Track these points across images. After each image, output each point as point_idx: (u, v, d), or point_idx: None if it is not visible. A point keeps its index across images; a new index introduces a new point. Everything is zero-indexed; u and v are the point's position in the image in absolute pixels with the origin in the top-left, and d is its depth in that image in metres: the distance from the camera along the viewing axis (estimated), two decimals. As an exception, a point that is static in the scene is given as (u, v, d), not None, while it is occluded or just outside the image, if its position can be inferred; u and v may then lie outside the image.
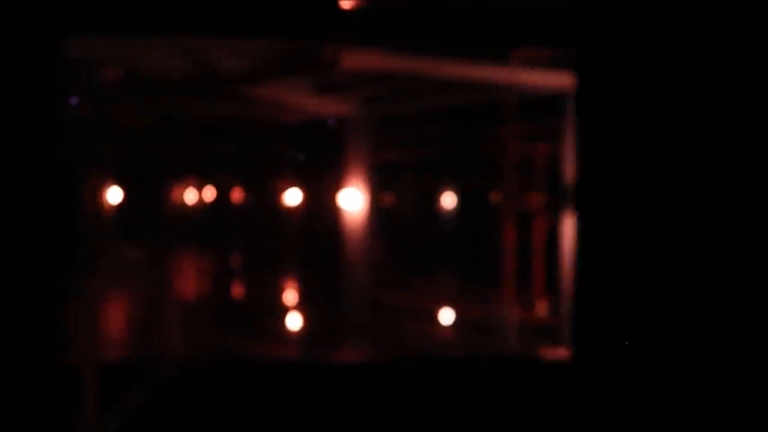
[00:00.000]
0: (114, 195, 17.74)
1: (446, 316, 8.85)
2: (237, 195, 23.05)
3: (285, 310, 10.56)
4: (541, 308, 7.54)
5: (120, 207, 19.08)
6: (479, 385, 4.04)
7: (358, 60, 6.13)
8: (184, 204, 22.62)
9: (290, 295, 11.86)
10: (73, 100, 8.86)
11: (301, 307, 10.80)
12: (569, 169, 6.42)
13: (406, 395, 3.89)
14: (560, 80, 6.40)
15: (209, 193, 22.70)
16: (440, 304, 8.89)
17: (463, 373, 4.14)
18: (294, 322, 9.92)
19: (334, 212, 9.95)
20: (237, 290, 13.04)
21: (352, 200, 9.17)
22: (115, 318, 9.68)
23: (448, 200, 11.16)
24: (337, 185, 9.50)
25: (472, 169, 9.57)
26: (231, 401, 3.75)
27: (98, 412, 2.68)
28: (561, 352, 5.96)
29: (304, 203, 17.79)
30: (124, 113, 11.27)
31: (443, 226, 10.97)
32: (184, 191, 22.62)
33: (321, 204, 13.92)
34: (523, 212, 7.89)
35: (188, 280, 13.88)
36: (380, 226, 9.57)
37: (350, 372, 4.20)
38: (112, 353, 7.42)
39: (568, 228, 6.37)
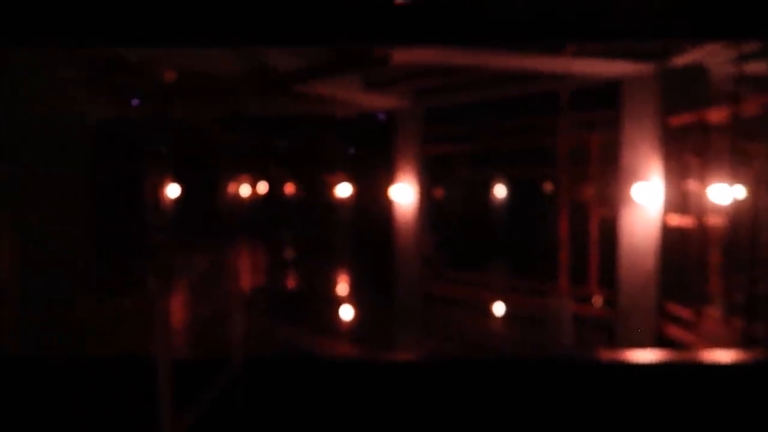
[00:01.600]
0: (173, 190, 18.30)
1: (500, 309, 8.80)
2: (290, 189, 23.42)
3: (338, 302, 10.71)
4: (597, 302, 7.41)
5: (179, 201, 19.64)
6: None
7: (408, 55, 6.15)
8: (239, 197, 23.11)
9: (343, 288, 12.02)
10: (135, 101, 9.21)
11: (355, 299, 10.93)
12: (625, 158, 6.30)
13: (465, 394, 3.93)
14: (614, 68, 6.28)
15: (263, 187, 23.13)
16: (494, 298, 8.84)
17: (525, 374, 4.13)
18: (348, 314, 10.05)
19: (387, 205, 10.01)
20: (291, 282, 13.29)
21: (404, 193, 9.22)
22: (183, 313, 10.03)
23: (501, 191, 11.08)
24: (389, 178, 9.57)
25: (525, 159, 9.45)
26: (294, 397, 3.93)
27: (173, 408, 2.80)
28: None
29: (357, 196, 17.94)
30: (184, 112, 11.63)
31: (496, 218, 10.89)
32: (239, 185, 23.11)
33: (373, 197, 14.03)
34: (578, 203, 7.76)
35: (243, 273, 14.22)
36: (432, 218, 9.57)
37: (409, 369, 4.25)
38: (183, 347, 7.71)
39: (626, 219, 6.26)
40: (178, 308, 10.22)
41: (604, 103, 6.72)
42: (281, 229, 22.48)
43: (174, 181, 19.41)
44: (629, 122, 6.26)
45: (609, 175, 6.92)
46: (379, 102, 9.29)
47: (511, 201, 10.74)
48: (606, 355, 5.62)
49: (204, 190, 22.35)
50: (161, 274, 13.24)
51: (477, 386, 3.94)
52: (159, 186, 18.23)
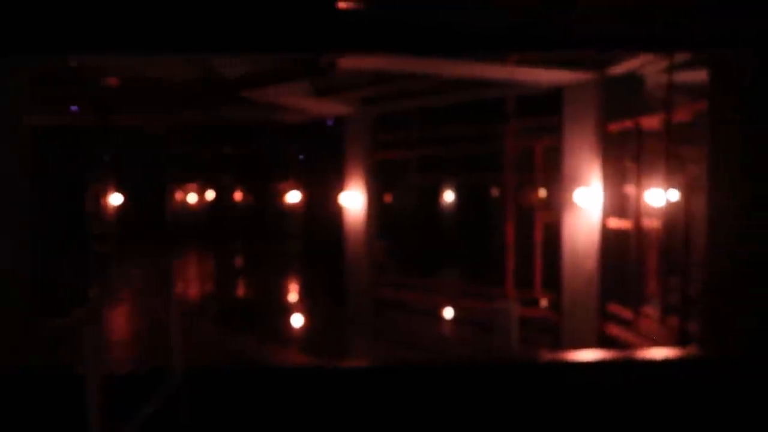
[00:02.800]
0: (116, 199, 17.82)
1: (449, 314, 8.92)
2: (239, 196, 23.11)
3: (288, 310, 10.65)
4: (542, 304, 7.60)
5: (123, 210, 19.12)
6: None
7: (355, 62, 6.20)
8: (186, 205, 22.65)
9: (293, 295, 11.96)
10: (73, 108, 8.94)
11: (305, 307, 10.88)
12: (567, 163, 6.51)
13: (413, 399, 3.96)
14: (556, 77, 6.48)
15: (211, 195, 22.74)
16: (443, 303, 8.95)
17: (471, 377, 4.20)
18: (298, 322, 10.01)
19: (337, 212, 10.03)
20: (240, 290, 13.13)
21: (353, 199, 9.26)
22: (124, 324, 9.78)
23: (450, 197, 11.24)
24: (339, 185, 9.59)
25: (474, 165, 9.63)
26: (238, 407, 3.85)
27: (110, 423, 2.71)
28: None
29: (307, 203, 17.87)
30: (129, 120, 11.35)
31: (445, 223, 11.03)
32: (186, 193, 22.66)
33: (323, 203, 14.01)
34: (524, 208, 7.96)
35: (191, 281, 13.96)
36: (382, 224, 9.62)
37: (357, 376, 4.24)
38: (122, 361, 7.51)
39: (569, 223, 6.45)
40: (120, 319, 9.98)
41: (548, 111, 6.92)
42: (230, 237, 22.21)
43: (118, 189, 18.93)
44: (570, 128, 6.47)
45: (552, 180, 7.12)
46: (328, 109, 9.32)
47: (460, 206, 10.91)
48: (549, 355, 5.78)
49: (150, 199, 21.87)
50: (102, 285, 12.91)
51: (427, 391, 3.99)
52: (101, 195, 17.75)
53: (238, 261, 17.30)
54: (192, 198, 23.17)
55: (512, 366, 4.28)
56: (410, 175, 10.02)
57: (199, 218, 23.22)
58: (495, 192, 9.95)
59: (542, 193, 7.71)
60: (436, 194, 11.12)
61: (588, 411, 3.86)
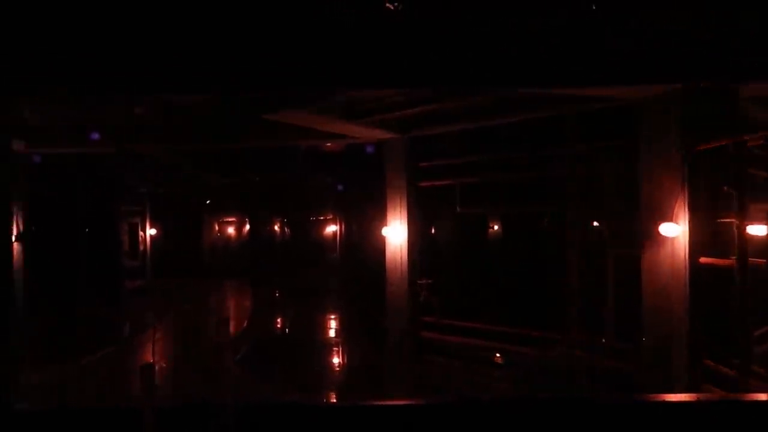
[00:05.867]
0: (151, 231, 17.38)
1: (499, 359, 7.92)
2: (276, 227, 22.52)
3: (324, 349, 9.83)
4: (611, 352, 6.55)
5: (158, 242, 18.66)
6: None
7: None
8: (223, 237, 22.14)
9: (330, 333, 11.14)
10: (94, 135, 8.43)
11: (345, 347, 10.04)
12: (645, 191, 5.57)
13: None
14: (629, 92, 5.61)
15: (247, 226, 22.23)
16: (493, 347, 7.96)
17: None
18: (334, 364, 9.17)
19: (377, 244, 9.24)
20: (277, 328, 12.37)
21: (394, 232, 8.44)
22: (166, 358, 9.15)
23: (499, 227, 10.29)
24: (379, 215, 8.82)
25: (525, 193, 8.70)
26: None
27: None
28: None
29: (345, 234, 17.14)
30: (156, 149, 10.87)
31: (494, 257, 10.05)
32: (222, 225, 22.17)
33: (362, 234, 13.24)
34: (586, 241, 7.01)
35: (227, 316, 13.31)
36: (426, 258, 8.74)
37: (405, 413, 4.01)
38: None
39: (649, 260, 5.48)
40: (158, 353, 9.34)
41: (618, 130, 6.02)
42: (266, 271, 21.58)
43: (153, 223, 18.55)
44: (648, 150, 5.54)
45: (624, 209, 6.17)
46: (366, 134, 8.59)
47: (510, 238, 9.95)
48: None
49: (184, 231, 21.49)
50: (135, 321, 12.35)
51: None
52: (136, 227, 17.37)
53: (275, 295, 16.61)
54: (229, 229, 22.74)
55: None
56: (456, 204, 9.10)
57: (236, 250, 22.72)
58: (549, 223, 8.97)
59: (612, 224, 6.71)
60: (484, 225, 10.21)
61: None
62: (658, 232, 5.19)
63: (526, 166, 7.85)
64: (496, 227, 10.40)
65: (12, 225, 5.52)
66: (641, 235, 5.46)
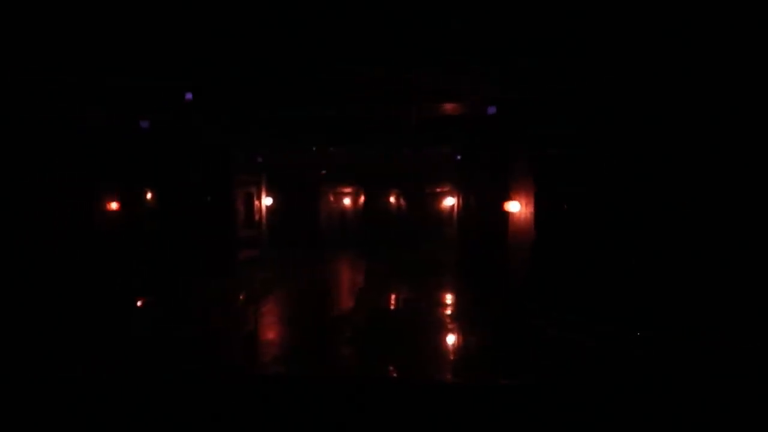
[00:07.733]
0: (267, 201, 17.38)
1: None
2: (390, 200, 22.05)
3: (444, 330, 9.12)
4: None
5: (274, 213, 18.73)
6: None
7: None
8: (336, 209, 22.00)
9: (448, 311, 10.42)
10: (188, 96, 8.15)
11: (463, 325, 9.29)
12: None
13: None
14: None
15: (360, 199, 21.92)
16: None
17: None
18: (452, 343, 8.44)
19: (499, 219, 8.33)
20: (394, 303, 11.85)
21: (515, 206, 7.52)
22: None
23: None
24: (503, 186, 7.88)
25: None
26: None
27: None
28: None
29: (464, 208, 16.25)
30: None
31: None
32: (333, 197, 22.01)
33: (486, 208, 12.33)
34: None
35: (343, 292, 13.00)
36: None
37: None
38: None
39: None
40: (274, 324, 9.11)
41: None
42: (382, 242, 21.21)
43: (269, 191, 18.63)
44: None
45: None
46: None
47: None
48: None
49: (300, 201, 21.54)
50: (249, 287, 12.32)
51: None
52: (251, 197, 17.48)
53: (390, 268, 16.16)
54: (345, 201, 22.58)
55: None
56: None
57: (351, 222, 22.54)
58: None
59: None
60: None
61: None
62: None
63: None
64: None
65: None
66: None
